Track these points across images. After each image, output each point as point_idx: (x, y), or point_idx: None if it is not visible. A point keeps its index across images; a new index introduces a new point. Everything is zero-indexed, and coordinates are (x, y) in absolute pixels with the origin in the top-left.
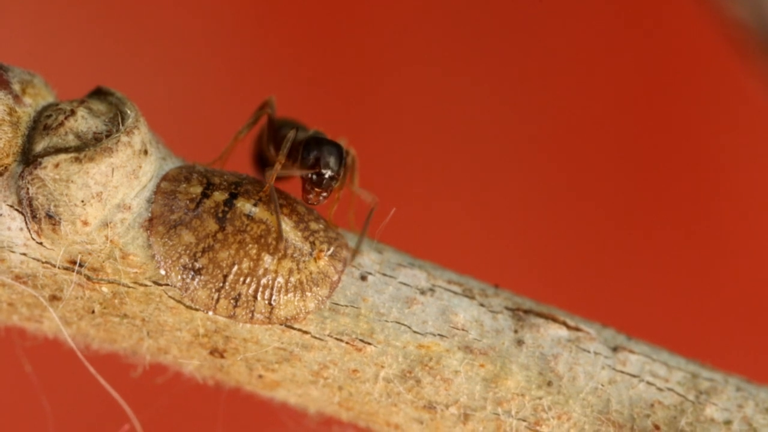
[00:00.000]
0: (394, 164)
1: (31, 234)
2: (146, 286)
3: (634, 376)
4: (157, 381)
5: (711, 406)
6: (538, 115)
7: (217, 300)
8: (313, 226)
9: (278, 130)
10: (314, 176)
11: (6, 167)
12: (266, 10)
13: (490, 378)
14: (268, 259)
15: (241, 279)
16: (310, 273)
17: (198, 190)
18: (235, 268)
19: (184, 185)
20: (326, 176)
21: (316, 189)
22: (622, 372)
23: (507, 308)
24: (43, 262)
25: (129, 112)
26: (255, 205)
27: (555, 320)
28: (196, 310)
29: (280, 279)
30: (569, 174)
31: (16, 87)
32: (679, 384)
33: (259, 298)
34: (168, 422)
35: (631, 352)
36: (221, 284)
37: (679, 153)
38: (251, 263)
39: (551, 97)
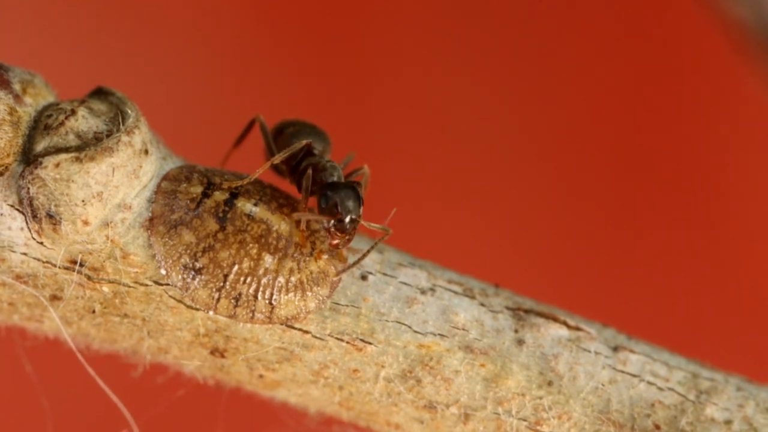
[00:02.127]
0: (394, 164)
1: (31, 234)
2: (147, 285)
3: (634, 375)
4: (157, 381)
5: (711, 406)
6: (538, 115)
7: (218, 300)
8: (314, 226)
9: (289, 138)
10: (337, 223)
11: (6, 167)
12: (267, 9)
13: (491, 378)
14: (268, 259)
15: (242, 278)
16: (311, 272)
17: (198, 189)
18: (236, 267)
19: (185, 185)
20: (348, 221)
21: (341, 235)
22: (623, 372)
23: (507, 308)
24: (43, 262)
25: (129, 111)
26: (255, 204)
27: (555, 320)
28: (197, 309)
29: (280, 278)
30: (569, 173)
31: (17, 87)
32: (679, 384)
33: (259, 297)
34: (169, 422)
35: (632, 351)
36: (222, 284)
37: (680, 153)
38: (252, 263)
39: (551, 96)
